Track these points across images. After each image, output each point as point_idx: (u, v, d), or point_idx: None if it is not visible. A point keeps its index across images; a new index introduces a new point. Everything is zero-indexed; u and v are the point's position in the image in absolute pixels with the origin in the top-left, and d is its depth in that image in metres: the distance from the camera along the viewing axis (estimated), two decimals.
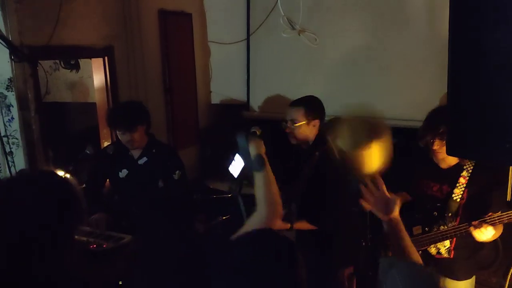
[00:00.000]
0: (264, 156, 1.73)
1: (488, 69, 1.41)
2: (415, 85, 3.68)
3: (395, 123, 3.77)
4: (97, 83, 3.51)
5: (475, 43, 1.41)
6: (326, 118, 3.69)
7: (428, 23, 3.58)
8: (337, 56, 3.90)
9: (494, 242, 3.44)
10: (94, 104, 3.74)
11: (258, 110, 4.40)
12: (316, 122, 2.69)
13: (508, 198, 3.19)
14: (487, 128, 1.45)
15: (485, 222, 2.22)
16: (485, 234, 2.22)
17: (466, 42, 1.47)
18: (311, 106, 2.71)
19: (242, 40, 4.35)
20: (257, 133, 2.42)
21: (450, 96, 1.55)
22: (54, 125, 4.55)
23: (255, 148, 1.76)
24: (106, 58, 3.38)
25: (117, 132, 2.80)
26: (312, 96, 2.81)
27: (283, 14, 1.52)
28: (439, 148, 2.30)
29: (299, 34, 1.89)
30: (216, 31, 4.52)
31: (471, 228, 2.25)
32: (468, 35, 1.45)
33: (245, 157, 1.82)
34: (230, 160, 2.42)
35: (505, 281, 2.69)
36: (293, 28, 1.65)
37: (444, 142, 2.20)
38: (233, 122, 4.46)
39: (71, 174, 2.70)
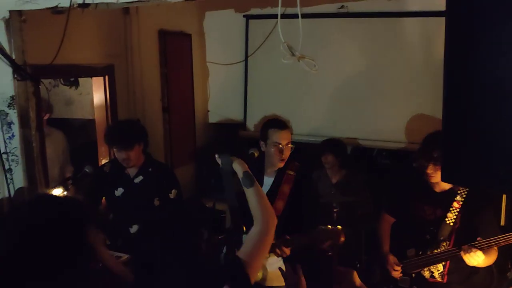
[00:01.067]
0: (250, 172, 1.78)
1: (483, 96, 1.43)
2: (410, 109, 3.75)
3: (390, 146, 3.85)
4: (96, 101, 3.55)
5: (470, 71, 1.45)
6: (320, 139, 3.75)
7: (423, 48, 3.67)
8: (334, 79, 3.98)
9: (489, 266, 3.48)
10: (93, 120, 3.77)
11: (254, 130, 4.45)
12: None
13: (502, 223, 3.24)
14: (482, 155, 1.46)
15: (474, 246, 2.24)
16: (475, 258, 2.24)
17: (461, 69, 1.50)
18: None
19: (240, 62, 4.43)
20: (255, 154, 2.46)
21: (445, 123, 1.58)
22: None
23: (240, 166, 1.81)
24: (106, 76, 3.42)
25: (114, 149, 2.82)
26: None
27: (283, 41, 1.55)
28: (433, 172, 2.34)
29: (298, 60, 1.93)
30: (215, 52, 4.60)
31: (461, 253, 2.28)
32: (463, 63, 1.48)
33: (227, 177, 1.86)
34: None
35: None
36: (293, 55, 1.69)
37: (438, 167, 2.26)
38: (230, 141, 4.51)
39: (70, 193, 2.74)
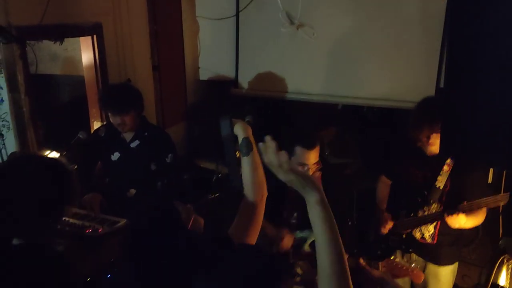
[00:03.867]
0: (252, 139, 1.67)
1: (486, 69, 1.42)
2: (402, 67, 3.72)
3: (382, 104, 3.85)
4: (85, 60, 3.44)
5: (474, 44, 1.43)
6: (312, 97, 3.71)
7: (416, 6, 3.58)
8: (326, 37, 3.90)
9: None
10: (81, 77, 3.65)
11: (246, 88, 4.40)
12: None
13: (490, 181, 3.33)
14: (486, 131, 1.47)
15: (456, 210, 2.31)
16: (457, 221, 2.31)
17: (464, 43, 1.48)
18: None
19: (232, 17, 4.29)
20: (251, 122, 2.44)
21: (446, 100, 1.58)
22: (43, 101, 4.48)
23: (242, 131, 1.67)
24: (94, 36, 3.30)
25: (109, 114, 2.78)
26: None
27: (281, 9, 1.48)
28: (435, 141, 2.31)
29: (297, 29, 1.86)
30: (205, 6, 4.43)
31: (445, 215, 2.35)
32: (467, 36, 1.46)
33: (227, 143, 1.72)
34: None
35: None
36: (292, 23, 1.62)
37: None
38: (222, 99, 4.46)
39: (64, 159, 2.72)
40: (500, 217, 3.50)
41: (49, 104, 4.24)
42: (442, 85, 3.57)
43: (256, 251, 1.35)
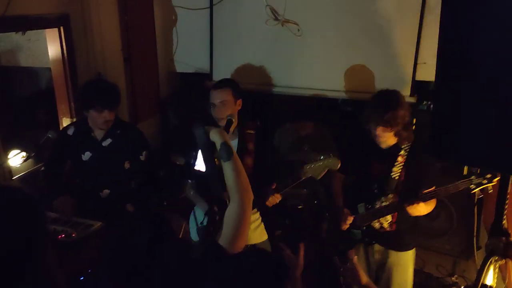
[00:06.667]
0: (230, 143, 1.65)
1: (478, 69, 1.40)
2: (379, 59, 3.71)
3: (357, 96, 3.84)
4: (52, 53, 3.27)
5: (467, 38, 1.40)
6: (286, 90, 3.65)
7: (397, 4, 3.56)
8: (302, 29, 3.83)
9: (449, 212, 3.68)
10: (48, 69, 3.47)
11: None
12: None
13: (465, 172, 3.38)
14: (479, 133, 1.45)
15: (416, 199, 2.40)
16: (417, 209, 2.42)
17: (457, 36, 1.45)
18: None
19: (206, 8, 4.17)
20: (233, 121, 2.37)
21: (436, 98, 1.55)
22: (7, 95, 4.25)
23: (219, 136, 1.65)
24: (61, 27, 3.13)
25: (92, 111, 2.61)
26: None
27: (266, 4, 1.42)
28: (382, 134, 2.43)
29: (282, 25, 1.80)
30: None
31: (404, 205, 2.43)
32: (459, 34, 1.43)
33: (205, 151, 1.70)
34: (192, 158, 2.37)
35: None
36: (277, 19, 1.56)
37: (388, 128, 2.38)
38: (196, 92, 4.35)
39: (33, 159, 2.58)
40: (475, 207, 3.58)
41: (14, 98, 4.04)
42: (417, 78, 3.60)
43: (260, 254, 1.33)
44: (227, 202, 1.57)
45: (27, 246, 1.16)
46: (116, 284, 1.29)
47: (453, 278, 3.57)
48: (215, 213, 1.67)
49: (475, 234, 3.61)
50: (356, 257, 1.86)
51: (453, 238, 3.75)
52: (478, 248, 3.58)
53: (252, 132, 2.68)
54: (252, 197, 1.61)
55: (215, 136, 1.65)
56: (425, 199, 2.39)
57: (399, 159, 2.52)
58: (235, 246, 1.46)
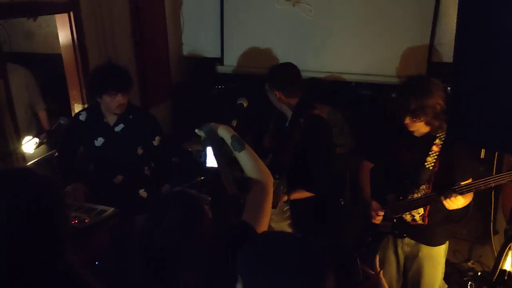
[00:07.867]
0: (237, 135, 1.73)
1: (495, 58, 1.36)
2: (395, 42, 3.62)
3: (373, 79, 3.77)
4: (62, 39, 3.24)
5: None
6: (307, 75, 3.62)
7: None
8: (315, 12, 3.75)
9: None
10: (59, 55, 3.45)
11: (232, 65, 4.25)
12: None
13: (482, 156, 3.30)
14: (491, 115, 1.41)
15: (454, 191, 2.26)
16: (455, 203, 2.28)
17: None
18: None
19: None
20: (244, 105, 2.33)
21: (455, 85, 1.51)
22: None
23: (227, 132, 1.74)
24: (71, 12, 3.10)
25: (104, 95, 2.59)
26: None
27: None
28: (410, 123, 2.31)
29: (293, 5, 1.75)
30: None
31: (442, 198, 2.29)
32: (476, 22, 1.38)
33: (216, 148, 1.77)
34: (203, 156, 2.36)
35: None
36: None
37: (415, 118, 2.26)
38: (207, 77, 4.31)
39: (46, 145, 2.57)
40: (492, 192, 3.50)
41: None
42: (433, 59, 3.52)
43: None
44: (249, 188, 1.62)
45: (48, 215, 1.24)
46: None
47: (469, 264, 3.52)
48: (238, 197, 1.69)
49: (492, 219, 3.55)
50: (382, 271, 1.79)
51: (470, 223, 3.68)
52: (495, 233, 3.52)
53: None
54: (272, 179, 1.67)
55: (223, 132, 1.74)
56: (462, 191, 2.26)
57: (434, 148, 2.37)
58: (258, 227, 1.51)
